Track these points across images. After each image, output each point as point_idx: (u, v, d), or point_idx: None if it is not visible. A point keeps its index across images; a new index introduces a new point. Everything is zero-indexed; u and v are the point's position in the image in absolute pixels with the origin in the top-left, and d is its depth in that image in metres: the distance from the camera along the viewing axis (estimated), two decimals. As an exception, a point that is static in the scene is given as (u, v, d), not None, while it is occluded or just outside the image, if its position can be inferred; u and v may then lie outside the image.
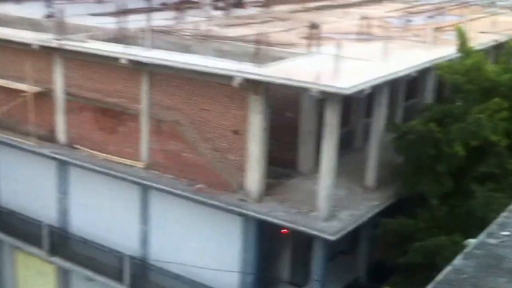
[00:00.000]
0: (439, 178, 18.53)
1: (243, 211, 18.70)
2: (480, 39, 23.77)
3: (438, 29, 24.26)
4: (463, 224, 17.26)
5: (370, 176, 19.88)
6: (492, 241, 4.49)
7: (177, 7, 28.38)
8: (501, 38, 24.81)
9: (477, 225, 15.09)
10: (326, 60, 18.40)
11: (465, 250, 4.63)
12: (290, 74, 17.51)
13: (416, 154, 18.97)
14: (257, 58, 18.57)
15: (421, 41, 23.03)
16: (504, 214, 4.69)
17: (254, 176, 18.75)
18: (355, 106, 23.22)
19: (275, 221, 18.14)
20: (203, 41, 22.85)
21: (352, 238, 20.78)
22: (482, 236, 4.59)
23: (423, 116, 19.95)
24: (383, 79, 18.22)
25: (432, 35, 22.25)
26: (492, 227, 4.47)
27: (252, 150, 18.57)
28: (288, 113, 21.22)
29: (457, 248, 13.47)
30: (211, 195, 19.30)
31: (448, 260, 5.22)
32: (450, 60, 20.25)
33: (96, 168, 21.74)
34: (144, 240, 21.71)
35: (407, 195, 19.46)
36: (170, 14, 27.76)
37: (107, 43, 21.96)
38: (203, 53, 21.34)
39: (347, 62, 17.97)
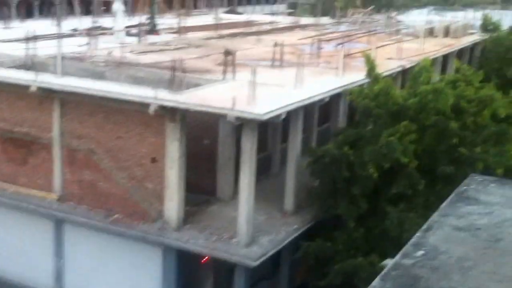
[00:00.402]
0: (355, 200, 19.02)
1: (162, 240, 18.39)
2: (387, 65, 24.84)
3: (347, 56, 25.15)
4: (379, 245, 17.78)
5: (289, 200, 20.14)
6: (407, 261, 4.61)
7: (89, 33, 27.86)
8: (407, 64, 26.05)
9: (392, 245, 15.64)
10: (241, 86, 18.60)
11: (383, 272, 4.76)
12: (206, 100, 17.55)
13: (331, 177, 19.43)
14: (173, 84, 18.51)
15: (332, 67, 23.77)
16: (418, 234, 4.86)
17: (172, 204, 18.53)
18: (271, 131, 23.55)
19: (196, 249, 17.95)
20: (117, 67, 22.53)
21: (274, 263, 20.88)
22: (398, 257, 4.72)
23: (336, 139, 20.51)
24: (297, 104, 18.62)
25: (342, 61, 23.03)
26: (407, 248, 4.62)
27: (170, 178, 18.37)
28: (206, 140, 21.21)
29: (374, 269, 13.87)
30: (128, 225, 18.86)
31: (366, 281, 5.34)
32: (360, 86, 21.00)
33: (6, 201, 20.74)
34: (59, 275, 20.84)
35: (325, 218, 19.84)
36: (82, 40, 27.22)
37: (15, 70, 21.20)
38: (117, 80, 21.03)
39: (263, 88, 18.24)
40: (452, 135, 19.09)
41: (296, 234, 19.22)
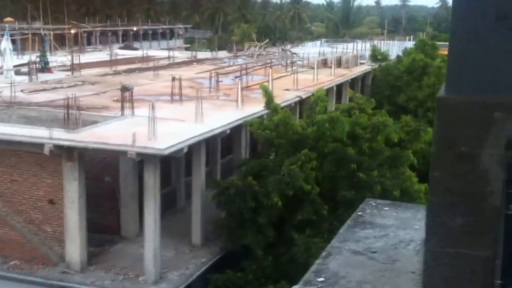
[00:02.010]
0: (262, 229, 19.16)
1: (66, 284, 17.56)
2: (284, 96, 25.51)
3: (246, 88, 25.60)
4: (288, 271, 17.96)
5: (196, 233, 19.95)
6: (308, 289, 4.64)
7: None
8: (303, 94, 26.89)
9: (300, 271, 15.84)
10: (141, 122, 18.38)
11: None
12: (104, 138, 17.16)
13: (237, 208, 19.49)
14: (68, 123, 17.97)
15: (231, 100, 24.08)
16: (318, 261, 4.94)
17: (74, 246, 17.79)
18: (175, 166, 23.35)
19: (101, 291, 17.28)
20: (7, 108, 21.58)
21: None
22: (299, 285, 4.75)
23: (240, 171, 20.66)
24: (198, 138, 18.64)
25: (241, 94, 23.40)
26: (309, 275, 4.68)
27: (70, 219, 17.67)
28: (107, 177, 20.66)
29: (284, 296, 13.95)
30: (28, 271, 17.87)
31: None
32: (260, 117, 21.38)
33: None
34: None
35: (233, 249, 19.81)
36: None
37: None
38: (8, 121, 20.11)
39: (163, 123, 18.12)
40: (350, 161, 19.77)
41: (205, 268, 19.02)
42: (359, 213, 6.45)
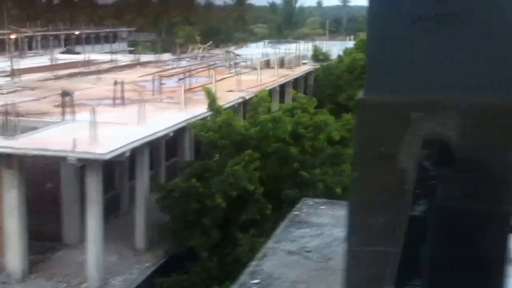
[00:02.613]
0: (207, 231, 19.17)
1: (6, 295, 17.13)
2: (228, 97, 25.59)
3: (189, 90, 25.56)
4: (233, 272, 18.02)
5: (140, 238, 19.79)
6: (243, 291, 4.65)
7: None
8: (247, 95, 27.03)
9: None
10: (82, 126, 18.11)
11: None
12: (44, 144, 16.83)
13: (182, 210, 19.45)
14: (7, 130, 17.54)
15: (175, 102, 23.99)
16: (254, 262, 5.00)
17: (14, 255, 17.37)
18: (118, 170, 23.09)
19: (44, 300, 16.94)
20: None
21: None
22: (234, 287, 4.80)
23: (184, 173, 20.62)
24: (142, 141, 18.50)
25: (184, 96, 23.34)
26: (244, 277, 4.74)
27: (9, 228, 17.25)
28: (49, 184, 20.26)
29: (229, 297, 14.01)
30: (-34, 284, 17.34)
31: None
32: (203, 119, 21.40)
33: None
34: None
35: (179, 252, 19.74)
36: None
37: None
38: None
39: (105, 127, 17.91)
40: (293, 160, 20.03)
41: (150, 272, 18.90)
42: (296, 212, 6.55)
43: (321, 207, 6.81)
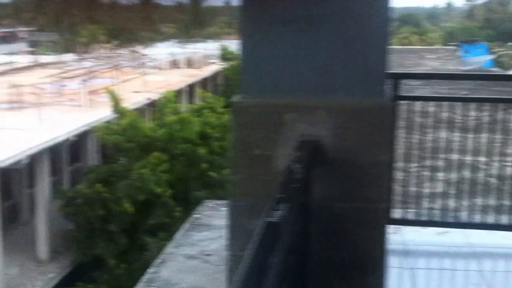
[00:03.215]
0: (113, 238, 18.63)
1: None
2: (134, 99, 24.99)
3: (93, 92, 24.74)
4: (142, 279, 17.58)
5: (43, 248, 18.90)
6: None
7: None
8: (153, 96, 26.51)
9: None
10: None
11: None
12: None
13: (86, 217, 18.78)
14: None
15: (77, 105, 23.14)
16: (151, 269, 4.82)
17: None
18: (16, 178, 21.95)
19: None
20: None
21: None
22: (131, 295, 4.61)
23: (88, 178, 19.92)
24: (41, 147, 17.67)
25: (87, 98, 22.55)
26: (140, 286, 4.55)
27: None
28: None
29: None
30: None
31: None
32: (108, 122, 20.76)
33: None
34: None
35: (85, 261, 19.04)
36: None
37: None
38: None
39: (0, 133, 16.96)
40: (201, 161, 19.85)
41: (54, 283, 18.09)
42: (196, 215, 6.40)
43: (222, 208, 6.71)
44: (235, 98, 2.80)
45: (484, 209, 4.83)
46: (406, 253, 4.65)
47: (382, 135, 2.59)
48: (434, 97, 4.79)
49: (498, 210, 4.77)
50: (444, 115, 4.75)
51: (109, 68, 35.07)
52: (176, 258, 5.12)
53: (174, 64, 37.89)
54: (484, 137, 4.68)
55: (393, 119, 2.70)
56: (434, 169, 4.89)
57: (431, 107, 4.79)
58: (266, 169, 2.82)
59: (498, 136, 4.65)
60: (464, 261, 4.60)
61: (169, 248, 5.44)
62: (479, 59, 26.99)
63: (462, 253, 4.66)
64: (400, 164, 4.87)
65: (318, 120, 2.67)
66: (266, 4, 2.78)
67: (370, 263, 2.72)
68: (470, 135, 4.72)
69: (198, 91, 30.33)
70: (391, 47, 2.74)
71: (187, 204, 19.35)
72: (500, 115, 4.64)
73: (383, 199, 2.69)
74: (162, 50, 49.89)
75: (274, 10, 2.74)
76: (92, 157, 23.57)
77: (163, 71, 32.49)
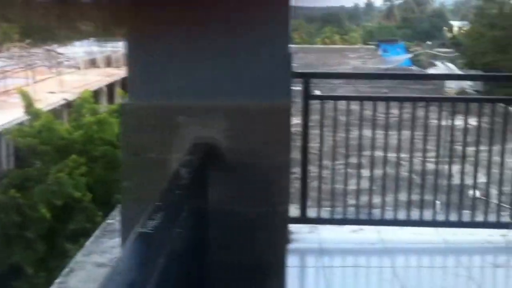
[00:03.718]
0: (31, 245, 17.88)
1: None
2: (49, 99, 24.11)
3: (4, 93, 23.68)
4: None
5: (-47, 259, 17.87)
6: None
7: None
8: (70, 96, 25.66)
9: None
10: None
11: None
12: None
13: (1, 224, 17.94)
14: None
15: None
16: (59, 279, 4.61)
17: None
18: None
19: None
20: None
21: None
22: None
23: (1, 184, 19.03)
24: None
25: (-2, 99, 21.56)
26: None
27: None
28: None
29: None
30: None
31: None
32: (21, 124, 19.94)
33: None
34: None
35: (1, 269, 18.19)
36: None
37: None
38: None
39: None
40: (121, 163, 19.36)
41: (-34, 296, 17.14)
42: (110, 221, 6.15)
43: (135, 214, 6.42)
44: (124, 101, 2.66)
45: (396, 206, 4.86)
46: (322, 251, 4.62)
47: (280, 137, 2.50)
48: (344, 96, 4.79)
49: (409, 206, 4.81)
50: (367, 112, 4.75)
51: (23, 68, 33.68)
52: (85, 266, 4.98)
53: (93, 63, 36.91)
54: (394, 134, 4.70)
55: (290, 119, 2.62)
56: (349, 166, 4.88)
57: (353, 105, 4.80)
58: (160, 174, 2.71)
59: (417, 133, 4.70)
60: (378, 258, 4.62)
61: (79, 256, 5.26)
62: (398, 58, 27.94)
63: (376, 249, 4.67)
64: (317, 163, 4.83)
65: (214, 123, 2.56)
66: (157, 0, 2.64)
67: (271, 266, 2.65)
68: (381, 131, 4.73)
69: (118, 91, 29.61)
70: (292, 48, 2.67)
71: (108, 208, 18.77)
72: (419, 113, 4.70)
73: (282, 201, 2.61)
74: (79, 49, 48.45)
75: (165, 7, 2.59)
76: (4, 162, 22.54)
77: (81, 70, 31.56)
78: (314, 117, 4.62)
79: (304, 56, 37.11)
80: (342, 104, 4.63)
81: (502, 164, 4.70)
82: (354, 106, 4.63)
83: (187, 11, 2.55)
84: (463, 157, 4.68)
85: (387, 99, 4.66)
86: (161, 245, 1.70)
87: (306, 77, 4.42)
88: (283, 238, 2.66)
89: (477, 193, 5.00)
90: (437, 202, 5.71)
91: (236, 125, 2.53)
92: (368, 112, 4.67)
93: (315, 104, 4.57)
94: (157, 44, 2.58)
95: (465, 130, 4.63)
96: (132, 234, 1.72)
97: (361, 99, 4.69)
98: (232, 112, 2.52)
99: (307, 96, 4.46)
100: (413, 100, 4.67)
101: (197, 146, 2.49)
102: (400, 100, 4.64)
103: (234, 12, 2.54)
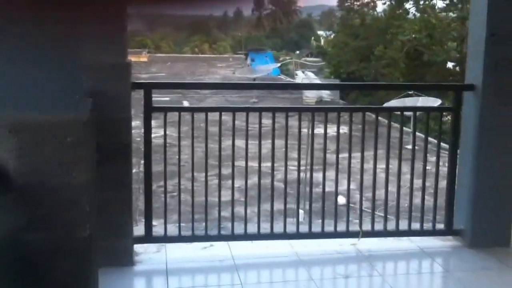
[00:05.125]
0: None
1: None
2: None
3: None
4: None
5: None
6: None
7: None
8: None
9: None
10: None
11: None
12: None
13: None
14: None
15: None
16: None
17: None
18: None
19: None
20: None
21: None
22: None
23: None
24: None
25: None
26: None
27: None
28: None
29: None
30: None
31: None
32: None
33: None
34: None
35: None
36: None
37: None
38: None
39: None
40: None
41: None
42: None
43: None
44: None
45: (248, 219, 4.74)
46: (169, 272, 4.39)
47: (78, 154, 2.25)
48: (189, 108, 4.60)
49: (271, 217, 4.72)
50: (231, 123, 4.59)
51: None
52: None
53: None
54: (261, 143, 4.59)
55: (92, 134, 2.38)
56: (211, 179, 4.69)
57: (225, 116, 4.64)
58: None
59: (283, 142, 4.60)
60: (229, 275, 4.47)
61: None
62: (266, 67, 28.26)
63: (226, 267, 4.52)
64: (162, 177, 4.62)
65: (-1, 141, 2.25)
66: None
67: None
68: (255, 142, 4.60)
69: None
70: (92, 61, 2.48)
71: None
72: (284, 122, 4.61)
73: (82, 225, 2.34)
74: None
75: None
76: None
77: None
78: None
79: (173, 65, 36.71)
80: (214, 115, 4.46)
81: (362, 171, 4.73)
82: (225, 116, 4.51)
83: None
84: (324, 164, 4.65)
85: (233, 110, 4.54)
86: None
87: (147, 88, 4.21)
88: (87, 265, 2.40)
89: (341, 201, 5.00)
90: (301, 211, 5.68)
91: (26, 142, 2.25)
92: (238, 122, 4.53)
93: (186, 115, 4.40)
94: None
95: (325, 138, 4.58)
96: None
97: (207, 110, 4.56)
98: (21, 127, 2.24)
99: (149, 108, 4.26)
100: (247, 110, 4.60)
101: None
102: (248, 110, 4.56)
103: (31, 27, 2.32)
